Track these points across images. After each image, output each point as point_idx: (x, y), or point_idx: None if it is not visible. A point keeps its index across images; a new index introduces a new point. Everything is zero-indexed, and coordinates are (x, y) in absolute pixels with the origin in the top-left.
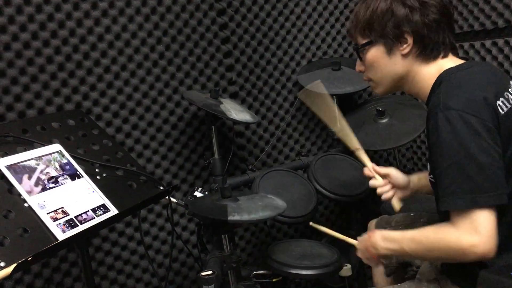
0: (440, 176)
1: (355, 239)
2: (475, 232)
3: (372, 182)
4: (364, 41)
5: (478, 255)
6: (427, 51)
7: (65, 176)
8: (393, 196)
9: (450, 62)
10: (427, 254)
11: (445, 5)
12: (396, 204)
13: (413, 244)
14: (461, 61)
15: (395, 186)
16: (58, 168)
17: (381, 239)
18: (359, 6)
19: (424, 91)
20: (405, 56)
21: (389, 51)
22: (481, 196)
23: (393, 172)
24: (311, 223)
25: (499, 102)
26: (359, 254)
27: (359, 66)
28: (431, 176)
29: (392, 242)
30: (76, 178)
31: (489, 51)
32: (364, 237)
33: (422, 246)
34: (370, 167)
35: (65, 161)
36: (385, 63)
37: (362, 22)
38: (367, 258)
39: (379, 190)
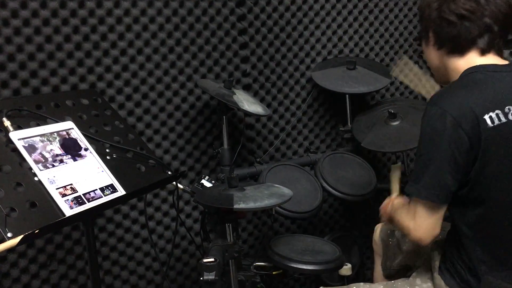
0: (415, 162)
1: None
2: (413, 218)
3: None
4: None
5: (411, 238)
6: (445, 45)
7: (76, 153)
8: None
9: (483, 60)
10: (395, 222)
11: (472, 9)
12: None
13: (392, 210)
14: (497, 61)
15: None
16: (70, 145)
17: (393, 202)
18: None
19: None
20: (433, 47)
21: (426, 43)
22: (422, 189)
23: None
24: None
25: (491, 114)
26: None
27: None
28: None
29: (392, 207)
30: (86, 156)
31: None
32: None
33: (393, 214)
34: None
35: (77, 139)
36: (427, 53)
37: None
38: (381, 213)
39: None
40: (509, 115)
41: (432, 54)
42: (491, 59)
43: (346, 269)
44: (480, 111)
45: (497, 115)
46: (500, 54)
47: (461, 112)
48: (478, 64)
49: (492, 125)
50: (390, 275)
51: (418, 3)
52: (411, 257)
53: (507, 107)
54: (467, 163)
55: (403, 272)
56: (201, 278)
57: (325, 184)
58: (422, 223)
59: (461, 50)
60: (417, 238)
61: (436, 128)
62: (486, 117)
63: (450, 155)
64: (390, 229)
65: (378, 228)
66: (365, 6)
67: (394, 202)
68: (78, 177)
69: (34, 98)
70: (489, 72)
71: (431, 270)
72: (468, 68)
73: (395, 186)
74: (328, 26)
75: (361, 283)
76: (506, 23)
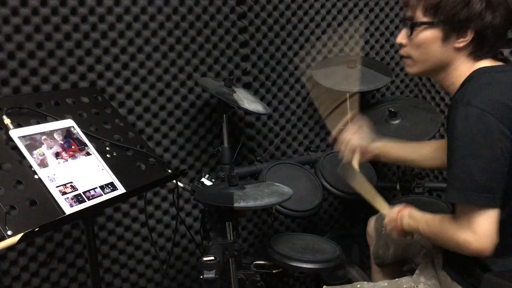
0: (451, 168)
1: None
2: (470, 229)
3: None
4: (425, 20)
5: (471, 252)
6: (480, 52)
7: (76, 152)
8: (352, 158)
9: (489, 61)
10: (434, 239)
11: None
12: (356, 165)
13: (426, 227)
14: (498, 63)
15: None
16: (70, 143)
17: (407, 215)
18: None
19: (455, 86)
20: (456, 49)
21: (445, 39)
22: (478, 195)
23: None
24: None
25: None
26: (386, 222)
27: (402, 39)
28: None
29: (413, 220)
30: (87, 154)
31: None
32: (395, 208)
33: (430, 231)
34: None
35: (77, 137)
36: (435, 48)
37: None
38: (391, 228)
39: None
40: None
41: (447, 53)
42: (492, 61)
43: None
44: None
45: None
46: None
47: (498, 108)
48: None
49: None
50: (381, 264)
51: None
52: (405, 250)
53: None
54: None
55: (398, 265)
56: (201, 277)
57: (325, 183)
58: (485, 232)
59: (485, 57)
60: (479, 250)
61: (478, 129)
62: None
63: (499, 153)
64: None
65: (372, 220)
66: (366, 4)
67: (411, 213)
68: (78, 175)
69: (34, 96)
70: (499, 72)
71: (434, 267)
72: (479, 69)
73: (378, 201)
74: (329, 25)
75: (365, 282)
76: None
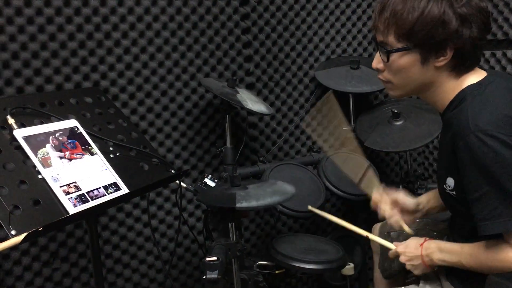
0: (481, 198)
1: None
2: None
3: (381, 212)
4: (400, 46)
5: None
6: (462, 67)
7: (80, 152)
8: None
9: (474, 75)
10: (483, 268)
11: (488, 18)
12: (406, 228)
13: (471, 258)
14: (482, 73)
15: (403, 211)
16: (73, 143)
17: (438, 250)
18: (399, 2)
19: (443, 102)
20: (437, 67)
21: (424, 60)
22: None
23: (401, 197)
24: (309, 207)
25: None
26: (405, 260)
27: (378, 64)
28: (453, 191)
29: (449, 254)
30: (90, 154)
31: (510, 61)
32: (412, 244)
33: (479, 262)
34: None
35: (81, 137)
36: (415, 71)
37: (404, 24)
38: (414, 266)
39: (387, 218)
40: None
41: (428, 73)
42: (476, 71)
43: (349, 269)
44: None
45: None
46: None
47: (505, 126)
48: (471, 81)
49: None
50: (389, 276)
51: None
52: None
53: None
54: None
55: (404, 273)
56: (203, 277)
57: (328, 184)
58: None
59: (468, 70)
60: None
61: (504, 156)
62: None
63: None
64: (387, 231)
65: (376, 228)
66: (369, 5)
67: (441, 246)
68: (81, 175)
69: (38, 96)
70: (488, 85)
71: (438, 277)
72: (468, 88)
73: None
74: (332, 25)
75: None
76: None
